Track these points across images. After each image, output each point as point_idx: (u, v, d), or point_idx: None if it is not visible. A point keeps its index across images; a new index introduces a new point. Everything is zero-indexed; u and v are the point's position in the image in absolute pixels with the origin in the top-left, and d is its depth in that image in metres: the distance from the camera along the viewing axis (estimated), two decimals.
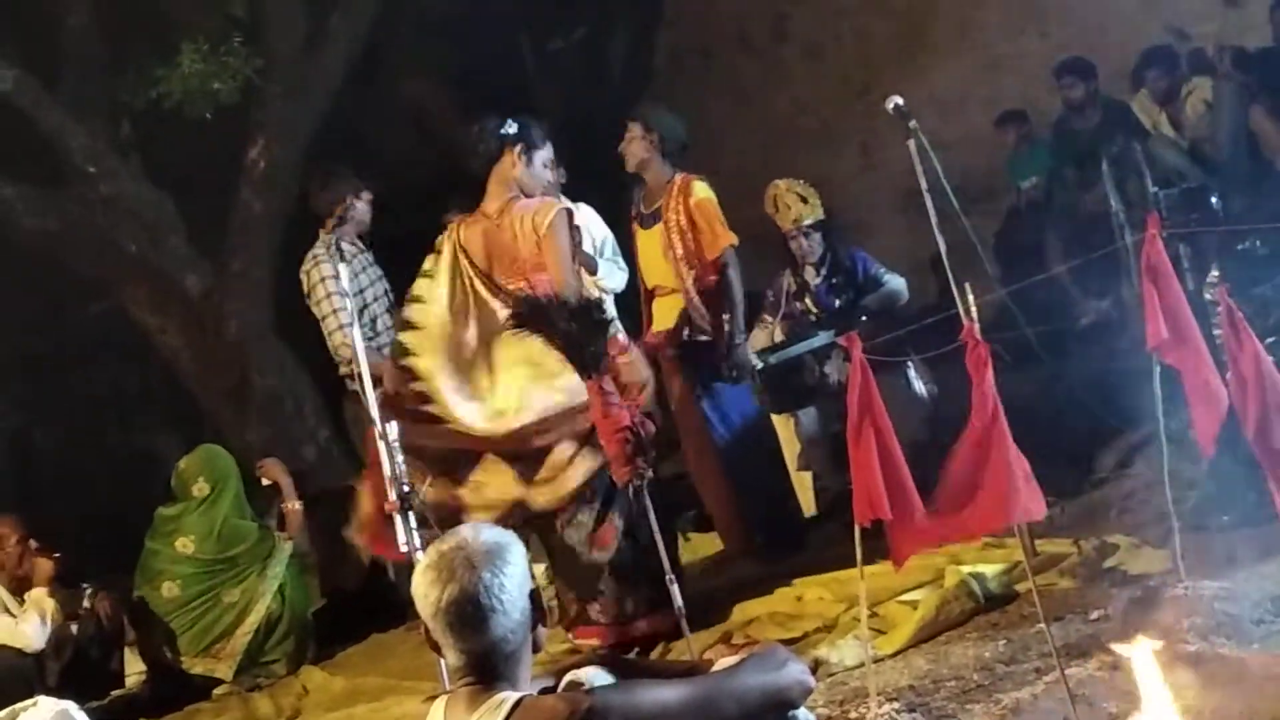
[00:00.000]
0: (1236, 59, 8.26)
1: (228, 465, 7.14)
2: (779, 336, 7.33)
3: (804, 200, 7.23)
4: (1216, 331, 4.95)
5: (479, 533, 2.85)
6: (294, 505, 7.17)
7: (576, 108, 12.83)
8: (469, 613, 2.76)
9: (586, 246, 7.20)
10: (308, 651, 7.02)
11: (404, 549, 5.09)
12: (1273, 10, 8.04)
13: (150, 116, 9.16)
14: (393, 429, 5.23)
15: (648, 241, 6.97)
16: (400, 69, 12.41)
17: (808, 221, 7.21)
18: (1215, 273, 5.40)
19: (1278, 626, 4.61)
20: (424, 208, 7.45)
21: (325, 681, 6.65)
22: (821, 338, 7.02)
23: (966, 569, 5.60)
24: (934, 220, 5.75)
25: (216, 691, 6.84)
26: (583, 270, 7.15)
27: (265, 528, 7.07)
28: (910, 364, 6.92)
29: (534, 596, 2.86)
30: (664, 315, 6.93)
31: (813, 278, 7.33)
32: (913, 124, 5.80)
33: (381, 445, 5.14)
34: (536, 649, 2.89)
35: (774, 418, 7.23)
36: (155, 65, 8.86)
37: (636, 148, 6.97)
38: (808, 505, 7.25)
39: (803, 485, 7.25)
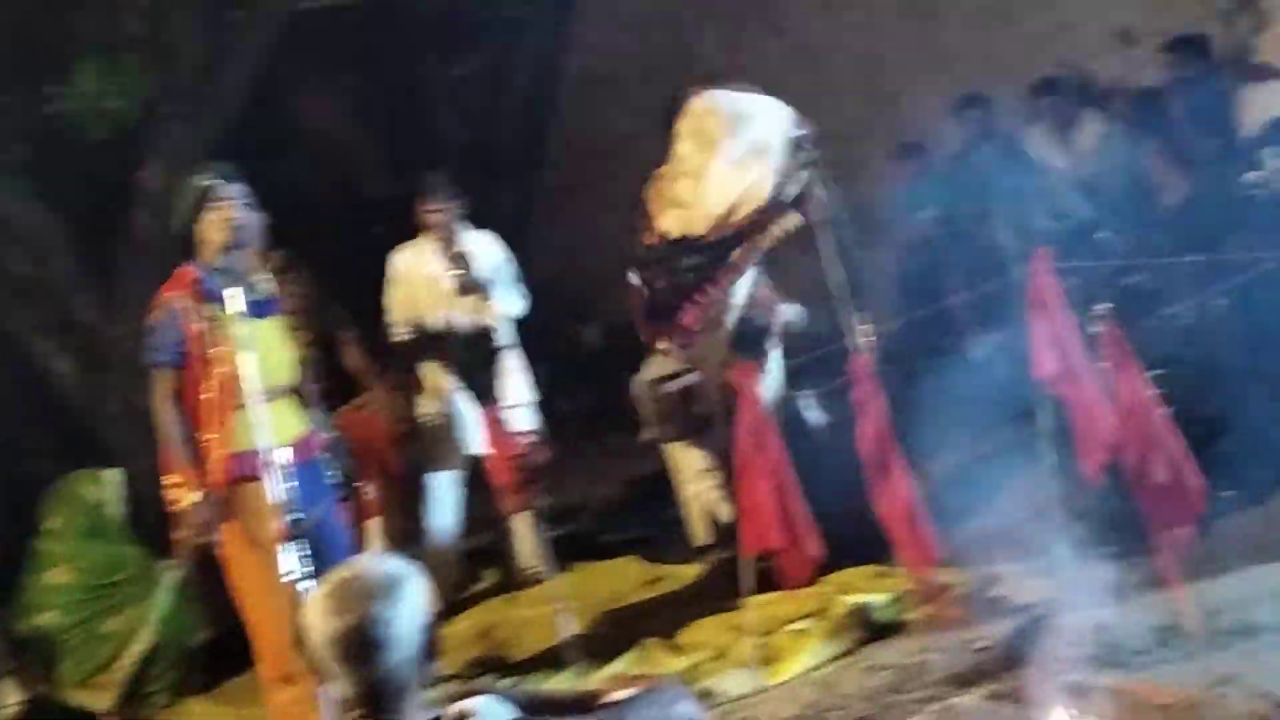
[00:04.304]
0: (1129, 96, 8.43)
1: (72, 494, 6.99)
2: (676, 364, 7.33)
3: None
4: (1104, 365, 5.03)
5: (377, 563, 2.83)
6: (183, 534, 7.02)
7: (480, 135, 12.83)
8: (360, 645, 2.72)
9: (486, 273, 7.19)
10: (192, 683, 6.89)
11: (290, 578, 5.01)
12: (1163, 50, 8.20)
13: (41, 136, 9.00)
14: (281, 456, 5.15)
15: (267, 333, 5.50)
16: (302, 94, 12.34)
17: None
18: (1102, 307, 5.49)
19: (1159, 656, 4.69)
20: (321, 232, 7.40)
21: (209, 713, 6.55)
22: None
23: (854, 599, 5.65)
24: (830, 251, 5.81)
25: None
26: (477, 298, 7.16)
27: (147, 556, 6.94)
28: (804, 393, 6.97)
29: (428, 631, 2.83)
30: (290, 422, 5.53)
31: None
32: (810, 155, 5.86)
33: (267, 474, 5.04)
34: (428, 684, 2.86)
35: (668, 447, 7.24)
36: (48, 83, 8.71)
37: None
38: (700, 534, 7.25)
39: (695, 513, 7.25)
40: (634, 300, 6.22)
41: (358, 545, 6.59)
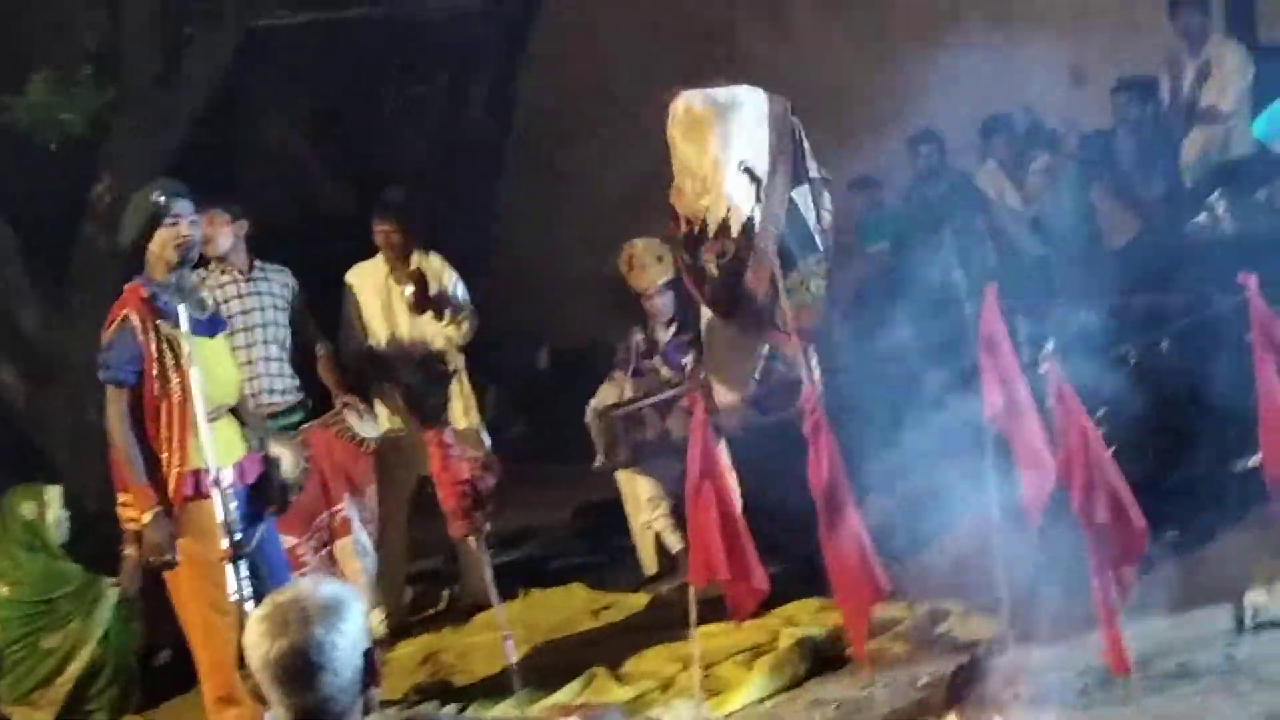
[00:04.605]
0: (1081, 138, 8.53)
1: (10, 509, 6.88)
2: (628, 392, 7.35)
3: (659, 260, 7.28)
4: (1050, 403, 5.06)
5: (318, 587, 2.81)
6: (131, 551, 6.87)
7: (436, 155, 12.79)
8: (298, 668, 2.71)
9: (438, 295, 7.20)
10: (131, 702, 6.82)
11: (234, 598, 4.98)
12: (1113, 92, 8.30)
13: None
14: (227, 475, 5.13)
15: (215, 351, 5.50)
16: (260, 109, 12.29)
17: (661, 281, 7.27)
18: (1050, 346, 5.53)
19: (1099, 697, 4.73)
20: (276, 248, 7.34)
21: None
22: (666, 395, 7.06)
23: (801, 631, 5.66)
24: (780, 285, 5.82)
25: None
26: (430, 318, 7.16)
27: (89, 572, 6.86)
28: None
29: (368, 656, 2.82)
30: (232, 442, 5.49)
31: (662, 336, 7.39)
32: (762, 186, 5.88)
33: (215, 493, 5.02)
34: (368, 710, 2.83)
35: (619, 473, 7.25)
36: (2, 93, 8.65)
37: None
38: (649, 563, 7.27)
39: (644, 542, 7.27)
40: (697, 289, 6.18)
41: (331, 567, 6.59)
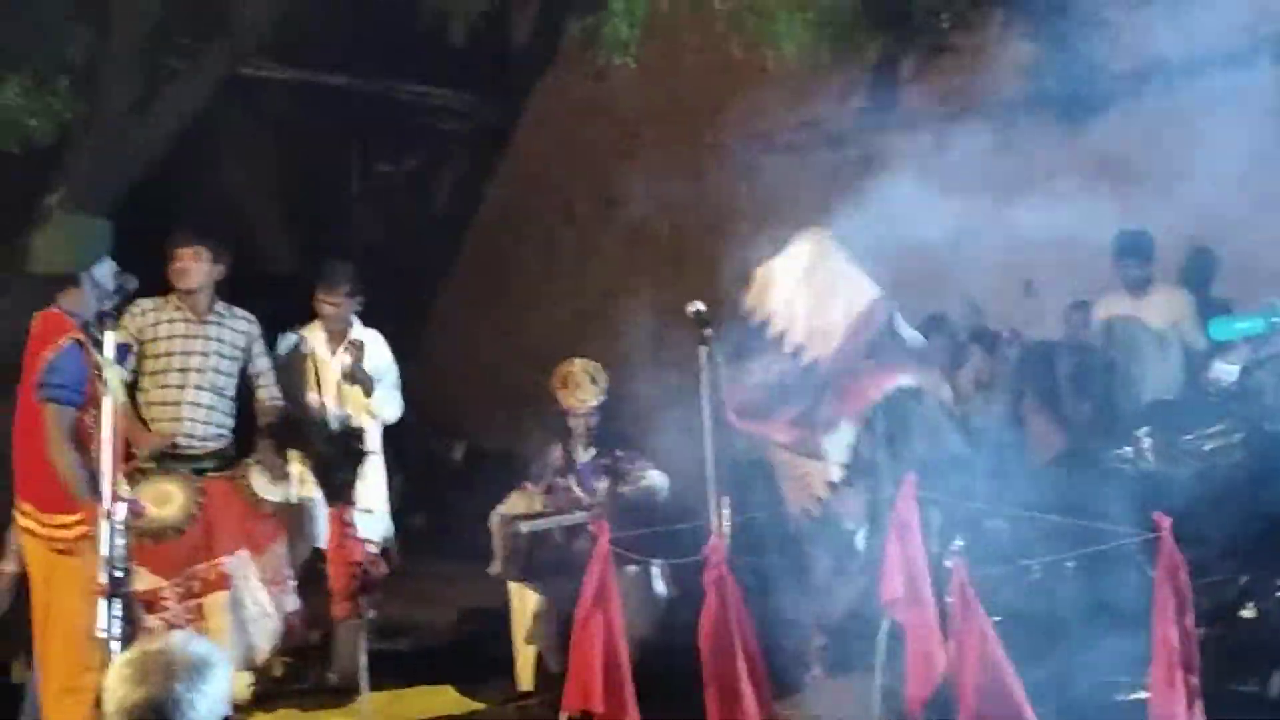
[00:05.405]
0: (1023, 348, 8.63)
1: None
2: (537, 506, 7.32)
3: (593, 381, 7.33)
4: (949, 599, 5.07)
5: (189, 643, 2.77)
6: (6, 568, 6.61)
7: (389, 237, 12.81)
8: None
9: (368, 369, 7.18)
10: None
11: (101, 635, 4.85)
12: (1069, 311, 8.41)
13: None
14: (120, 509, 5.04)
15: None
16: (225, 154, 12.28)
17: (593, 403, 7.30)
18: (959, 543, 5.55)
19: None
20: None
21: None
22: (576, 516, 7.04)
23: None
24: (707, 429, 5.82)
25: None
26: (359, 391, 7.14)
27: None
28: (655, 563, 6.97)
29: None
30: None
31: (582, 456, 7.38)
32: (707, 332, 5.90)
33: (104, 524, 4.92)
34: None
35: (510, 585, 7.19)
36: None
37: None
38: (526, 679, 7.17)
39: (524, 657, 7.18)
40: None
41: (197, 619, 6.46)
